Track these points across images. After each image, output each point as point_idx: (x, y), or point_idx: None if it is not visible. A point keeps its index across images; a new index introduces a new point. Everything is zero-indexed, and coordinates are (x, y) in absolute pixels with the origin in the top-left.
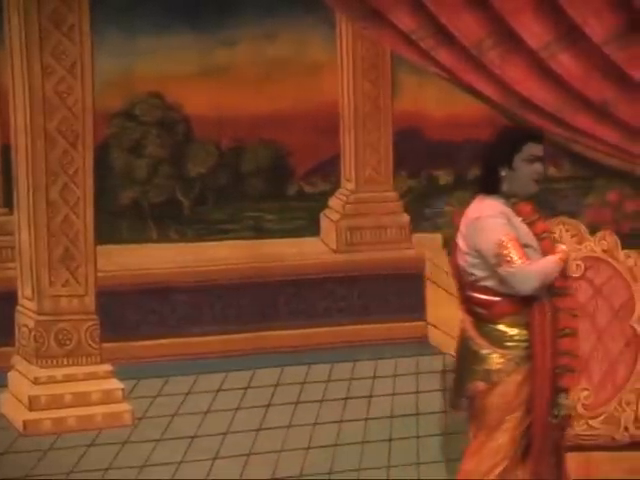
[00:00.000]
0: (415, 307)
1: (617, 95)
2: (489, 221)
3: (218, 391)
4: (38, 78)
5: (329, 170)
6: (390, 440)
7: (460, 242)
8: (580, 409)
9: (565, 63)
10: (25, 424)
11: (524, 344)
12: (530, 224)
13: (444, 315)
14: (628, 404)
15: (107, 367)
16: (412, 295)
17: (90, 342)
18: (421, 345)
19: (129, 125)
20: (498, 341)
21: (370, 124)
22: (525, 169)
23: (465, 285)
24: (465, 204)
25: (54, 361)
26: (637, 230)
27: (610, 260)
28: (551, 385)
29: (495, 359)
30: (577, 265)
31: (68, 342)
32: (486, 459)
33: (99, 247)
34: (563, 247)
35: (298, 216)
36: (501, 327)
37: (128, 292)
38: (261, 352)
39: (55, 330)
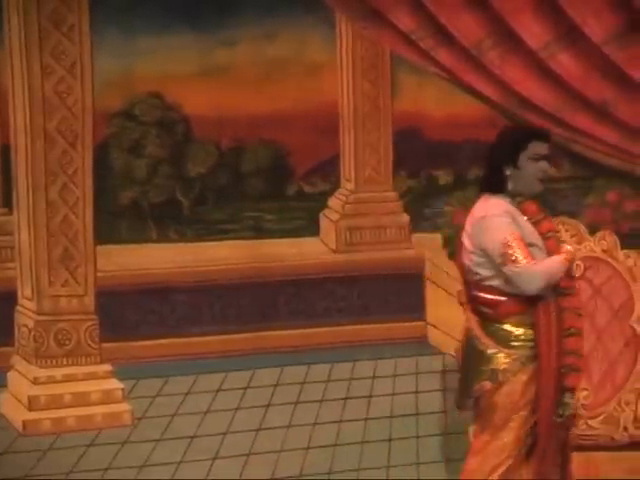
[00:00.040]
0: (415, 307)
1: (617, 95)
2: (494, 220)
3: (218, 391)
4: (38, 78)
5: (329, 170)
6: (390, 440)
7: (465, 241)
8: (579, 409)
9: (565, 63)
10: (25, 424)
11: (530, 344)
12: (535, 223)
13: (444, 315)
14: (627, 404)
15: (107, 367)
16: (412, 295)
17: (90, 342)
18: (421, 345)
19: (129, 125)
20: (504, 341)
21: (370, 124)
22: (530, 168)
23: (470, 284)
24: (465, 204)
25: (54, 361)
26: (637, 230)
27: (609, 260)
28: (556, 384)
29: (501, 359)
30: (577, 265)
31: (68, 342)
32: (490, 458)
33: (99, 247)
34: (569, 247)
35: (298, 216)
36: (507, 327)
37: (128, 292)
38: (261, 352)
39: (55, 330)
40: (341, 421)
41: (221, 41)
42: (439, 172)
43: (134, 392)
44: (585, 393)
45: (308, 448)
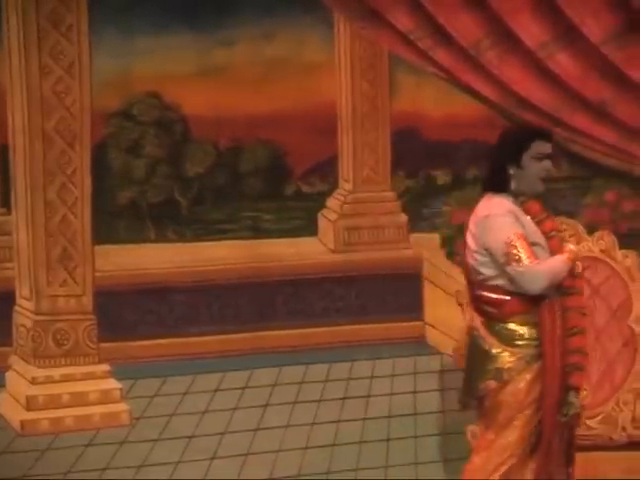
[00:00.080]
0: (413, 307)
1: (615, 95)
2: (498, 219)
3: (216, 391)
4: (36, 78)
5: (327, 170)
6: (388, 440)
7: (469, 240)
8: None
9: (563, 63)
10: (23, 424)
11: (534, 342)
12: (538, 222)
13: (442, 315)
14: (626, 404)
15: (105, 367)
16: (410, 295)
17: (88, 342)
18: (419, 345)
19: (127, 125)
20: (508, 340)
21: (368, 124)
22: (533, 167)
23: (474, 284)
24: (463, 204)
25: (52, 361)
26: (635, 230)
27: (608, 260)
28: (561, 383)
29: (506, 358)
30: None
31: (66, 342)
32: (494, 456)
33: (97, 247)
34: (572, 246)
35: (296, 216)
36: (511, 326)
37: (126, 292)
38: (259, 352)
39: (53, 330)
40: (339, 421)
41: (219, 41)
42: (437, 172)
43: (132, 392)
44: (583, 393)
45: (306, 448)
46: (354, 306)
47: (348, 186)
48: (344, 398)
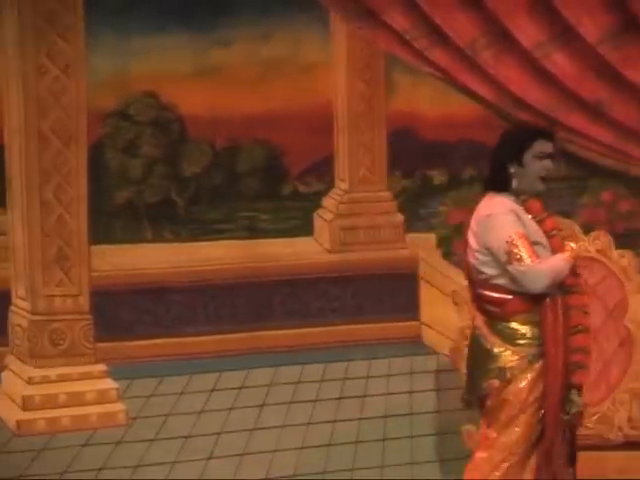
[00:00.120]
0: (409, 307)
1: (611, 95)
2: (500, 218)
3: (212, 391)
4: (32, 78)
5: (323, 170)
6: (384, 440)
7: (471, 240)
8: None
9: (559, 63)
10: (19, 424)
11: (537, 341)
12: (539, 221)
13: (438, 315)
14: (622, 404)
15: (101, 367)
16: (406, 295)
17: (84, 342)
18: (415, 345)
19: (123, 125)
20: (511, 339)
21: (364, 124)
22: (535, 166)
23: (476, 283)
24: (459, 204)
25: (48, 361)
26: (631, 230)
27: (604, 260)
28: (563, 382)
29: (508, 357)
30: None
31: (62, 342)
32: (496, 455)
33: (93, 247)
34: (573, 245)
35: (293, 216)
36: (513, 325)
37: (122, 292)
38: (255, 352)
39: (49, 330)
40: (335, 421)
41: (216, 41)
42: (433, 172)
43: (129, 392)
44: None
45: (302, 448)
46: (350, 306)
47: (344, 186)
48: (340, 398)
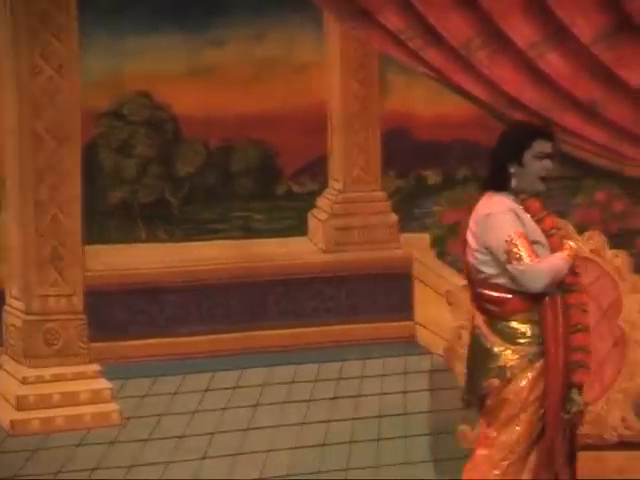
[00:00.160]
0: (403, 307)
1: (605, 95)
2: (499, 217)
3: (206, 391)
4: (26, 78)
5: (317, 170)
6: (378, 440)
7: (470, 239)
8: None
9: (553, 63)
10: (13, 424)
11: (537, 340)
12: (538, 220)
13: (432, 315)
14: (616, 404)
15: (95, 367)
16: (400, 295)
17: (78, 342)
18: (409, 345)
19: (117, 125)
20: (510, 338)
21: (358, 124)
22: (534, 166)
23: (475, 282)
24: (453, 204)
25: (42, 361)
26: (625, 230)
27: (598, 260)
28: (564, 381)
29: (508, 356)
30: None
31: (56, 342)
32: (495, 453)
33: (87, 247)
34: (571, 244)
35: (287, 216)
36: (513, 324)
37: (116, 292)
38: (249, 352)
39: (43, 330)
40: (329, 421)
41: (209, 41)
42: (428, 172)
43: (123, 392)
44: None
45: (296, 448)
46: (344, 306)
47: (338, 186)
48: (334, 398)
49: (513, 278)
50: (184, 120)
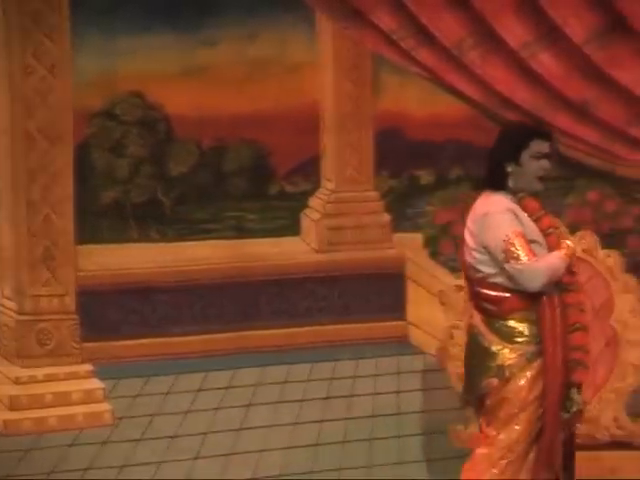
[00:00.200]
0: (396, 307)
1: (597, 95)
2: (497, 217)
3: (199, 391)
4: (18, 78)
5: (310, 170)
6: (371, 440)
7: (467, 238)
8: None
9: (545, 63)
10: (5, 424)
11: (535, 339)
12: (536, 220)
13: (425, 315)
14: (608, 403)
15: (88, 367)
16: (393, 295)
17: (71, 342)
18: (402, 345)
19: (110, 125)
20: (508, 337)
21: (351, 124)
22: (532, 166)
23: (473, 281)
24: (446, 204)
25: (35, 361)
26: (617, 230)
27: (590, 260)
28: (562, 380)
29: (506, 355)
30: None
31: (49, 342)
32: (495, 452)
33: (80, 247)
34: (569, 243)
35: (280, 216)
36: (511, 323)
37: (109, 292)
38: (242, 352)
39: (36, 330)
40: (322, 421)
41: (202, 41)
42: (421, 172)
43: (115, 392)
44: None
45: (289, 448)
46: (337, 306)
47: (331, 186)
48: (327, 398)
49: (511, 277)
50: (177, 120)
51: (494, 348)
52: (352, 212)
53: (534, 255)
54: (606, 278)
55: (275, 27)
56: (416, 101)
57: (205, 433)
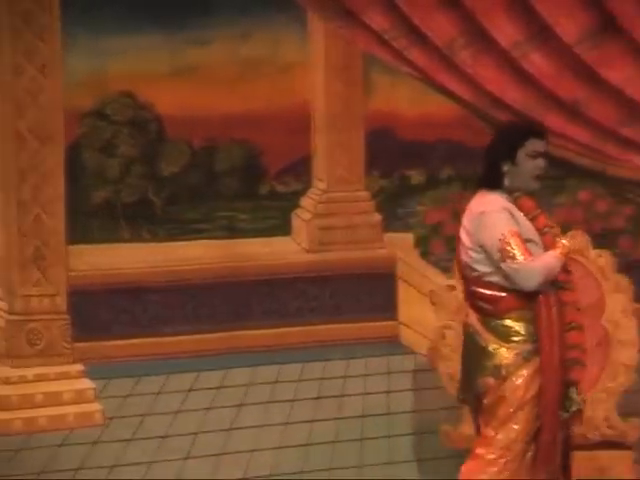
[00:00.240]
0: (387, 307)
1: (588, 94)
2: (493, 216)
3: (190, 391)
4: (9, 78)
5: (301, 170)
6: (361, 440)
7: (464, 237)
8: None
9: (537, 62)
10: None
11: (531, 338)
12: (532, 219)
13: (416, 315)
14: (599, 403)
15: (78, 367)
16: (384, 295)
17: (61, 342)
18: (393, 345)
19: (100, 124)
20: (505, 336)
21: (342, 124)
22: (528, 165)
23: (469, 280)
24: (437, 203)
25: (25, 361)
26: (608, 230)
27: (581, 260)
28: (560, 379)
29: (503, 354)
30: None
31: (39, 342)
32: (493, 451)
33: (70, 247)
34: (564, 242)
35: (271, 215)
36: (507, 322)
37: (100, 292)
38: (233, 352)
39: (26, 330)
40: (313, 421)
41: (193, 41)
42: (412, 172)
43: (106, 392)
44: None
45: (280, 448)
46: (328, 306)
47: (322, 185)
48: (318, 398)
49: (507, 276)
50: (168, 120)
51: (490, 347)
52: (343, 212)
53: (530, 254)
54: (597, 278)
55: (267, 27)
56: (407, 101)
57: (196, 433)
